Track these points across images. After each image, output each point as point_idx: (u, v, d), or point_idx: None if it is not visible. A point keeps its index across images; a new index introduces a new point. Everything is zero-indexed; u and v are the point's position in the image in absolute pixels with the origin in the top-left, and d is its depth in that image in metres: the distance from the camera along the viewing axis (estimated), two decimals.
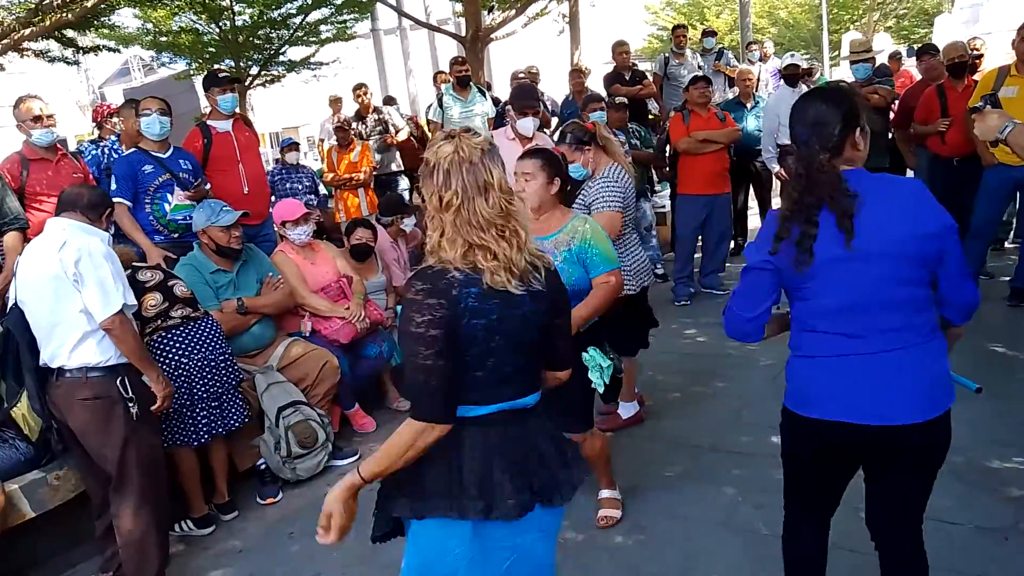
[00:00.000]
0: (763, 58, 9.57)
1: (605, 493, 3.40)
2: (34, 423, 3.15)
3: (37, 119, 4.25)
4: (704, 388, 4.66)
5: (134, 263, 3.61)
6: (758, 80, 8.35)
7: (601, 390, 2.95)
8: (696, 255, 6.63)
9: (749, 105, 7.23)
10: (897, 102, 6.68)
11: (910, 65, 9.45)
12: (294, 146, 7.72)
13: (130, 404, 3.01)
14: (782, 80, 7.24)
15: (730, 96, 8.15)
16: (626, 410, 4.23)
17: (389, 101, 9.63)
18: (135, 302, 3.08)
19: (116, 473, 3.03)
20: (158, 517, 3.14)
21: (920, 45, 7.65)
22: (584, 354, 2.92)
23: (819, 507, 2.27)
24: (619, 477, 3.71)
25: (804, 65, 7.25)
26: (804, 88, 6.93)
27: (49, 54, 9.55)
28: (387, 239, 5.41)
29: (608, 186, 3.76)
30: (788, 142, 6.71)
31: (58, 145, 4.46)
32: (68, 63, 9.71)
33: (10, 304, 3.11)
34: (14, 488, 3.33)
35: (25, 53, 8.91)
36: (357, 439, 4.53)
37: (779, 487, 3.39)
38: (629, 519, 3.37)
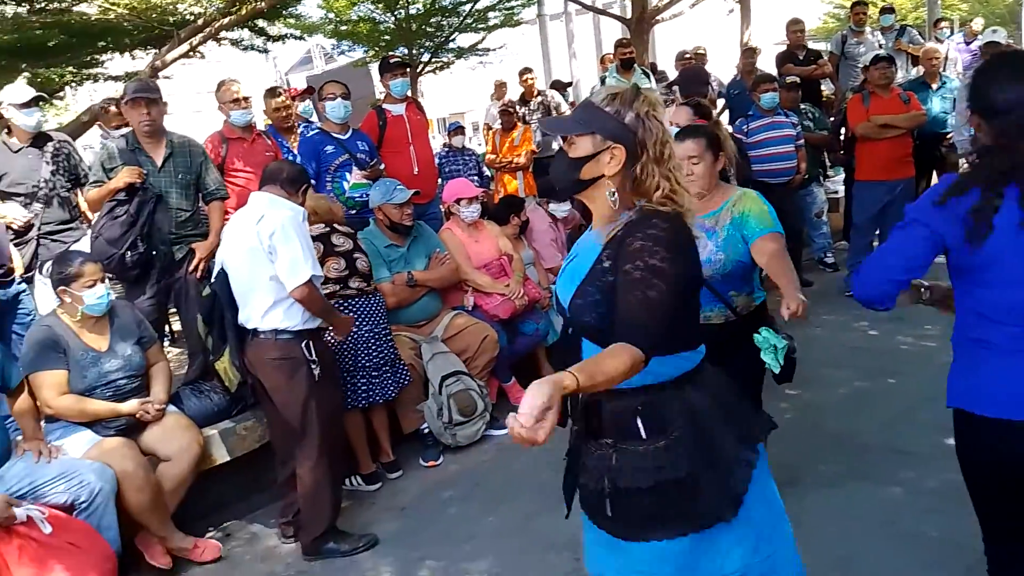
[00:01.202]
0: (969, 37, 8.83)
1: None
2: (233, 376, 3.48)
3: (236, 101, 4.67)
4: (873, 384, 4.42)
5: (334, 224, 3.92)
6: (945, 59, 7.73)
7: (777, 371, 2.77)
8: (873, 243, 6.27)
9: (935, 86, 6.69)
10: None
11: None
12: (460, 130, 7.97)
13: (313, 366, 3.25)
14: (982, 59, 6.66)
15: (913, 76, 7.60)
16: None
17: (558, 86, 9.67)
18: (322, 273, 3.33)
19: (299, 427, 3.27)
20: (334, 471, 3.37)
21: None
22: (756, 335, 2.73)
23: (1018, 526, 1.99)
24: (777, 469, 3.60)
25: (1004, 42, 6.62)
26: None
27: (242, 43, 10.38)
28: (546, 220, 5.50)
29: None
30: None
31: (253, 125, 4.86)
32: (258, 51, 10.49)
33: (216, 268, 3.45)
34: (212, 434, 3.71)
35: (222, 42, 9.72)
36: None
37: (953, 491, 3.20)
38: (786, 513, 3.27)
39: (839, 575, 2.85)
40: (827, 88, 8.39)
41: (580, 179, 1.72)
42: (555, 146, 7.95)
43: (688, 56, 8.09)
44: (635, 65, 7.26)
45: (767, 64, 8.48)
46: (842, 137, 7.09)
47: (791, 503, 3.26)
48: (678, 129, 3.14)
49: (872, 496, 3.32)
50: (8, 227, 4.14)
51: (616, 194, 1.70)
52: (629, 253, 1.61)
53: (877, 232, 6.24)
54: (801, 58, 7.82)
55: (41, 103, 4.38)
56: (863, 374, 4.56)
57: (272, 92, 5.54)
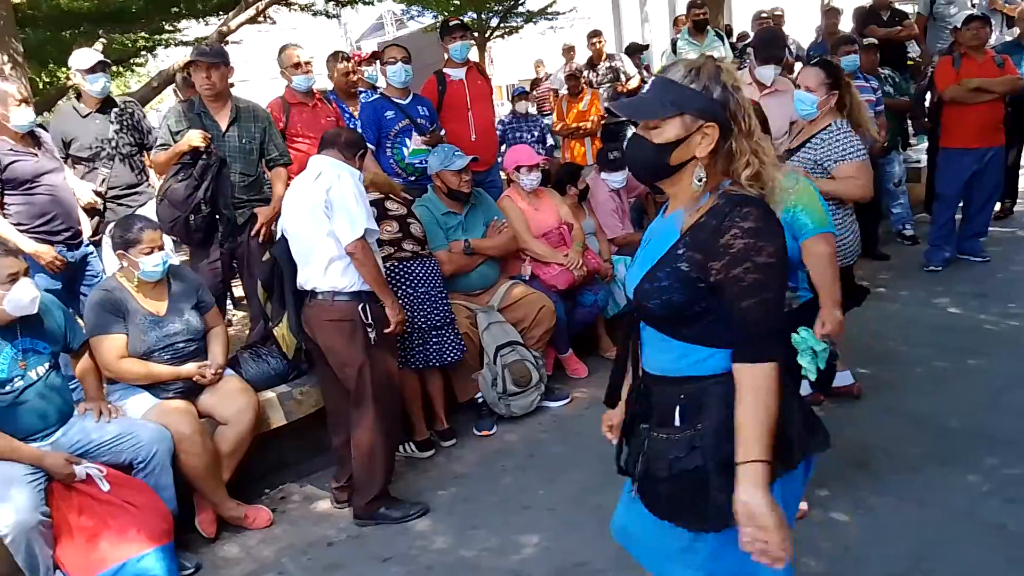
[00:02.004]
0: None
1: None
2: (291, 342, 3.48)
3: (297, 65, 4.63)
4: (955, 364, 4.17)
5: (392, 194, 3.96)
6: None
7: (813, 377, 2.51)
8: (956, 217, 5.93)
9: None
10: None
11: None
12: (524, 95, 7.83)
13: (369, 328, 3.24)
14: None
15: (1008, 38, 7.10)
16: (841, 378, 3.75)
17: (634, 49, 9.39)
18: (377, 228, 3.29)
19: (354, 390, 3.27)
20: (388, 436, 3.36)
21: None
22: (794, 335, 2.47)
23: None
24: (849, 451, 3.45)
25: None
26: None
27: (312, 7, 10.38)
28: (607, 189, 5.34)
29: (851, 137, 3.43)
30: None
31: (315, 90, 4.83)
32: (328, 16, 10.46)
33: (278, 235, 3.44)
34: (270, 397, 3.73)
35: (292, 7, 9.76)
36: (569, 384, 4.58)
37: None
38: (856, 496, 3.12)
39: (914, 565, 2.70)
40: (913, 51, 7.93)
41: (670, 165, 1.60)
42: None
43: (765, 17, 7.75)
44: (708, 28, 6.97)
45: (848, 25, 8.07)
46: (927, 104, 6.69)
47: (864, 486, 3.15)
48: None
49: (952, 483, 3.14)
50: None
51: (704, 177, 1.58)
52: (734, 255, 1.52)
53: (961, 204, 5.89)
54: (885, 18, 7.40)
55: (105, 68, 4.42)
56: (944, 353, 4.31)
57: (337, 56, 5.49)
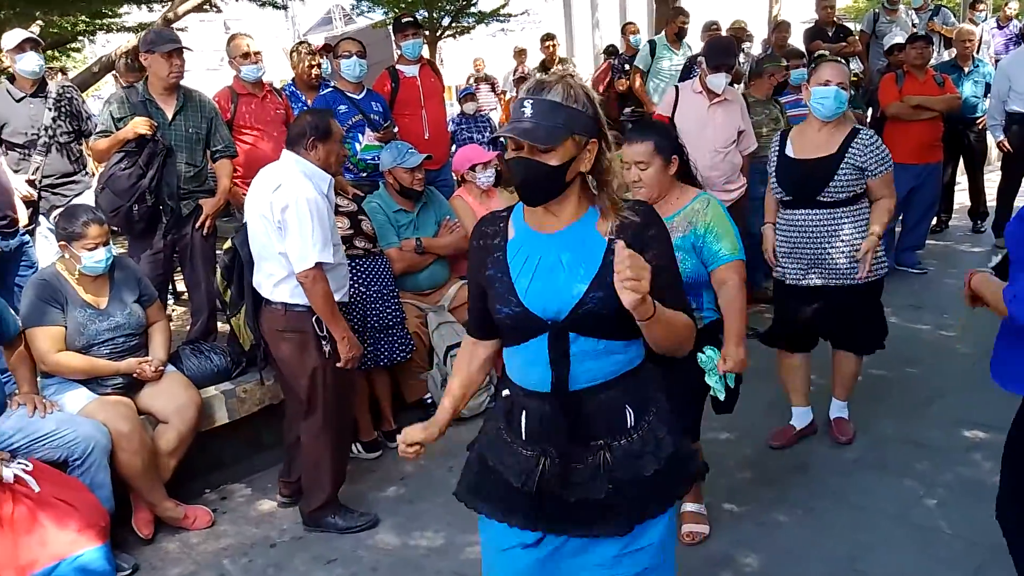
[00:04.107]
0: (1003, 21, 8.58)
1: (689, 507, 3.01)
2: (248, 335, 3.37)
3: (246, 55, 4.54)
4: (891, 373, 4.29)
5: (340, 190, 3.91)
6: (980, 42, 7.48)
7: (721, 397, 2.56)
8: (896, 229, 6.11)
9: (967, 69, 6.46)
10: None
11: None
12: (471, 96, 7.81)
13: (323, 342, 3.09)
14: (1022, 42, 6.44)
15: (945, 58, 7.37)
16: (802, 419, 3.72)
17: (613, 51, 9.37)
18: (331, 260, 3.04)
19: (305, 400, 3.16)
20: (338, 446, 3.25)
21: None
22: (700, 354, 2.50)
23: None
24: (788, 454, 3.53)
25: None
26: None
27: None
28: None
29: (881, 146, 3.35)
30: (1018, 108, 6.02)
31: (264, 81, 4.74)
32: (275, 7, 10.23)
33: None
34: (212, 395, 3.64)
35: None
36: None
37: (968, 486, 3.13)
38: (795, 498, 3.20)
39: (850, 565, 2.78)
40: (856, 68, 8.17)
41: (566, 182, 1.64)
42: None
43: (715, 27, 7.87)
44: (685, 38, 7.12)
45: (795, 40, 8.27)
46: (868, 119, 6.90)
47: (801, 489, 3.22)
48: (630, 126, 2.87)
49: (885, 487, 3.23)
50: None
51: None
52: (661, 243, 1.68)
53: (900, 217, 6.08)
54: (830, 35, 7.61)
55: (36, 47, 4.26)
56: (879, 362, 4.41)
57: (302, 46, 5.38)
